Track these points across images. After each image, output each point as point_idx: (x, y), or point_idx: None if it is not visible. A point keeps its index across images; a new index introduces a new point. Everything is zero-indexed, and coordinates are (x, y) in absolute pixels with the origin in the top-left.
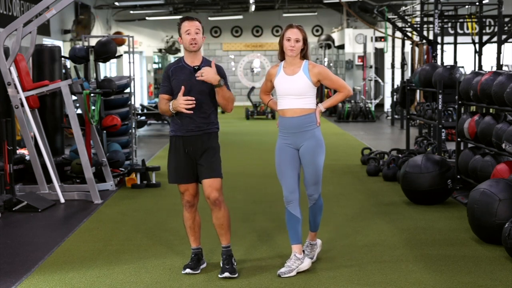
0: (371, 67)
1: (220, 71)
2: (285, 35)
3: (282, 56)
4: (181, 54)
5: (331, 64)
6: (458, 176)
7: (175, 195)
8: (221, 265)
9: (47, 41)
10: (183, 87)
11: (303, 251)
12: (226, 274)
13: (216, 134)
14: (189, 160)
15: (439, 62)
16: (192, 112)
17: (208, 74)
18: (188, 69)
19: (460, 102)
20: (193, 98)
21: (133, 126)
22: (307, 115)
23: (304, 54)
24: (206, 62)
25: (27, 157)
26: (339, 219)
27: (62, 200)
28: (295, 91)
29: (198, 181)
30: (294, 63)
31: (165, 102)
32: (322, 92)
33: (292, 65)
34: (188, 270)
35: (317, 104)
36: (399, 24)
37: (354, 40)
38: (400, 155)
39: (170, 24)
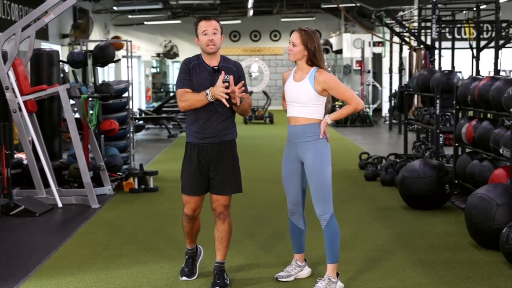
0: (369, 72)
1: (239, 72)
2: None
3: None
4: (179, 58)
5: (329, 69)
6: (456, 181)
7: (173, 200)
8: (212, 279)
9: (46, 46)
10: (223, 72)
11: (305, 259)
12: None
13: (234, 142)
14: (203, 170)
15: (436, 67)
16: (228, 104)
17: (236, 92)
18: (208, 69)
19: (457, 107)
20: (229, 90)
21: (131, 130)
22: (309, 125)
23: (311, 60)
24: (224, 61)
25: (25, 161)
26: None
27: (60, 205)
28: (299, 99)
29: (205, 193)
30: (303, 69)
31: (191, 94)
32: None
33: (301, 70)
34: (184, 278)
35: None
36: (397, 29)
37: (352, 45)
38: (398, 160)
39: (168, 28)
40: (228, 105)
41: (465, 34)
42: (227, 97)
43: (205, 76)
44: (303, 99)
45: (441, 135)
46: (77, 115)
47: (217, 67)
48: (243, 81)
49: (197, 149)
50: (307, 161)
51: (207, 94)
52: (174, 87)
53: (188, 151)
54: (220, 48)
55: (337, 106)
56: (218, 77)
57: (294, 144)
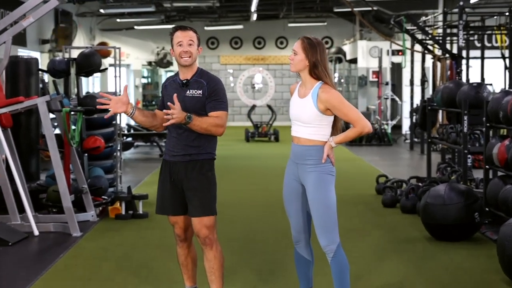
0: (387, 84)
1: (211, 87)
2: None
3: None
4: (173, 68)
5: (342, 80)
6: (487, 209)
7: (165, 228)
8: None
9: (23, 52)
10: (175, 96)
11: None
12: None
13: (209, 163)
14: (176, 189)
15: (464, 79)
16: (170, 123)
17: (177, 114)
18: (179, 83)
19: (488, 124)
20: (173, 111)
21: (118, 148)
22: (310, 147)
23: (315, 73)
24: (198, 75)
25: None
26: (350, 257)
27: (36, 232)
28: (301, 117)
29: (186, 214)
30: (306, 82)
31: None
32: None
33: (304, 84)
34: None
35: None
36: (419, 36)
37: (368, 53)
38: (420, 184)
39: (161, 34)
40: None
41: (496, 41)
42: (165, 121)
43: (173, 92)
44: (305, 118)
45: (469, 156)
46: (57, 131)
47: (186, 81)
48: (183, 112)
49: (168, 166)
50: (308, 186)
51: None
52: None
53: (161, 169)
54: (197, 60)
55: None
56: (186, 92)
57: (295, 165)
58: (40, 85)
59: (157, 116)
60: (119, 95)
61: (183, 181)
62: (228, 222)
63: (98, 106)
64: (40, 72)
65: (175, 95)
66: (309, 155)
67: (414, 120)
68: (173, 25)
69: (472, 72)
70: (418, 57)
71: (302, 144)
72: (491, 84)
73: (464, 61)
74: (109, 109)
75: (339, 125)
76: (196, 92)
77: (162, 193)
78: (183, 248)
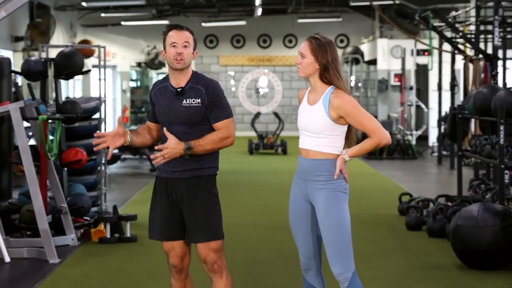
0: (411, 88)
1: (210, 93)
2: None
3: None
4: (166, 69)
5: (359, 85)
6: None
7: (156, 253)
8: None
9: None
10: (165, 129)
11: None
12: None
13: (212, 179)
14: (175, 210)
15: (500, 83)
16: (165, 161)
17: (170, 152)
18: (171, 91)
19: None
20: (165, 151)
21: (103, 162)
22: (321, 160)
23: (326, 77)
24: (194, 80)
25: None
26: (369, 285)
27: (7, 259)
28: (310, 127)
29: (183, 238)
30: (316, 88)
31: (142, 130)
32: None
33: (314, 90)
34: None
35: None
36: (448, 34)
37: (389, 53)
38: (449, 204)
39: (152, 30)
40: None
41: None
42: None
43: (167, 102)
44: (315, 127)
45: (506, 171)
46: (32, 142)
47: (181, 89)
48: (180, 142)
49: (165, 184)
50: (318, 206)
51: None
52: None
53: (156, 187)
54: (191, 65)
55: None
56: (182, 102)
57: (303, 181)
58: (13, 89)
59: (152, 130)
60: (104, 100)
61: (183, 201)
62: (230, 244)
63: (95, 148)
64: (12, 74)
65: (165, 129)
66: (320, 170)
67: (442, 130)
68: (166, 22)
69: (509, 75)
70: (447, 58)
71: (311, 158)
72: None
73: (500, 63)
74: (108, 147)
75: (353, 136)
76: (194, 101)
77: (156, 215)
78: (179, 281)
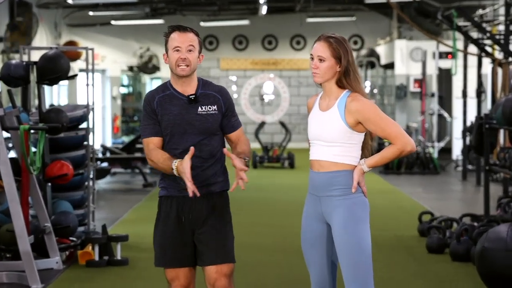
0: (433, 95)
1: (225, 101)
2: (312, 51)
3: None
4: (160, 74)
5: (374, 91)
6: None
7: (150, 277)
8: None
9: None
10: (192, 149)
11: None
12: None
13: (226, 194)
14: (185, 233)
15: None
16: (192, 194)
17: (244, 174)
18: (182, 99)
19: None
20: (242, 174)
21: (91, 176)
22: (337, 172)
23: (341, 80)
24: (204, 87)
25: None
26: None
27: None
28: (323, 135)
29: (195, 264)
30: (330, 93)
31: (159, 154)
32: None
33: (328, 95)
34: None
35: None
36: (474, 35)
37: (408, 56)
38: (475, 224)
39: (146, 31)
40: (191, 195)
41: None
42: (196, 193)
43: (178, 110)
44: (329, 135)
45: None
46: (13, 154)
47: (193, 96)
48: (240, 161)
49: (176, 204)
50: (335, 224)
51: (172, 169)
52: None
53: (162, 209)
54: (196, 70)
55: (386, 143)
56: (197, 110)
57: (317, 199)
58: None
59: (158, 150)
60: (92, 107)
61: (198, 221)
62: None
63: (191, 195)
64: None
65: (225, 150)
66: (336, 183)
67: (467, 142)
68: (161, 21)
69: None
70: (472, 61)
71: (325, 171)
72: None
73: None
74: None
75: (369, 146)
76: (210, 108)
77: (165, 240)
78: None
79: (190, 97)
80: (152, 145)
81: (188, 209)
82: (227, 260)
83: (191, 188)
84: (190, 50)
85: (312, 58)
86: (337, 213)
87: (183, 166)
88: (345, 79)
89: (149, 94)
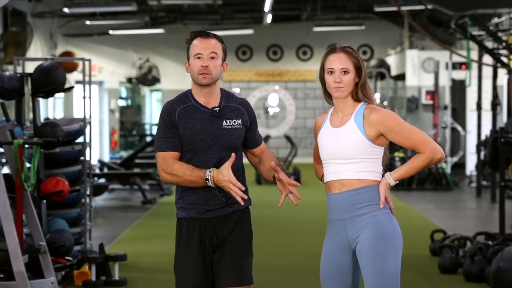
0: (445, 108)
1: (250, 114)
2: (325, 65)
3: (329, 97)
4: (160, 86)
5: (385, 103)
6: None
7: None
8: None
9: None
10: (233, 155)
11: None
12: None
13: (248, 211)
14: (208, 256)
15: None
16: (242, 202)
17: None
18: (205, 111)
19: None
20: (243, 187)
21: (88, 193)
22: (361, 189)
23: (357, 92)
24: (227, 99)
25: None
26: None
27: None
28: (341, 152)
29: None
30: (345, 108)
31: (184, 166)
32: None
33: (341, 111)
34: None
35: (383, 174)
36: (489, 44)
37: (420, 67)
38: (490, 243)
39: (145, 41)
40: (243, 203)
41: None
42: (243, 196)
43: (202, 124)
44: (348, 151)
45: None
46: (6, 170)
47: (218, 109)
48: (285, 174)
49: (198, 227)
50: (362, 244)
51: (207, 179)
52: (152, 128)
53: (184, 232)
54: (219, 80)
55: (396, 159)
56: (222, 124)
57: (341, 224)
58: None
59: (179, 163)
60: (89, 121)
61: (224, 242)
62: None
63: (240, 201)
64: None
65: (272, 163)
66: (361, 201)
67: (482, 157)
68: (161, 30)
69: None
70: (487, 72)
71: (348, 190)
72: None
73: None
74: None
75: (384, 160)
76: (235, 122)
77: (189, 266)
78: None
79: (215, 109)
80: (171, 159)
81: (212, 231)
82: (247, 282)
83: (239, 194)
84: (212, 58)
85: (331, 72)
86: (365, 232)
87: (224, 174)
88: (362, 91)
89: (169, 105)
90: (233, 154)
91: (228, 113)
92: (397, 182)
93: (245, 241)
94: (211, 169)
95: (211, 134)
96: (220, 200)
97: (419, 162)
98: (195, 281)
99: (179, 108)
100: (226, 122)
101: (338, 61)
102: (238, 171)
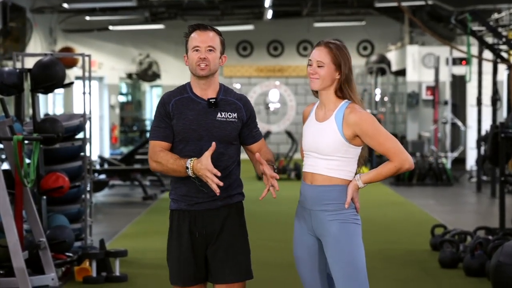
0: (446, 103)
1: (247, 109)
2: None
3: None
4: (161, 81)
5: (385, 99)
6: None
7: None
8: None
9: None
10: (214, 144)
11: None
12: None
13: (241, 206)
14: (199, 248)
15: None
16: (219, 192)
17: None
18: (200, 103)
19: None
20: (219, 173)
21: (88, 189)
22: (330, 187)
23: (341, 89)
24: (224, 93)
25: None
26: None
27: None
28: (319, 147)
29: (205, 281)
30: (327, 103)
31: (169, 155)
32: None
33: (325, 105)
34: None
35: (355, 175)
36: (489, 40)
37: (420, 62)
38: (490, 237)
39: (145, 36)
40: (218, 193)
41: None
42: (219, 183)
43: (195, 115)
44: (325, 147)
45: None
46: (6, 166)
47: (214, 100)
48: (270, 168)
49: (188, 219)
50: (327, 242)
51: (187, 168)
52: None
53: (174, 223)
54: (218, 72)
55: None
56: (216, 116)
57: (307, 212)
58: None
59: (165, 152)
60: (89, 117)
61: (212, 236)
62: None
63: (216, 189)
64: None
65: (257, 155)
66: (328, 198)
67: (482, 152)
68: (161, 26)
69: None
70: (488, 67)
71: (318, 184)
72: None
73: None
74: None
75: (363, 155)
76: (230, 115)
77: (180, 257)
78: None
79: (210, 100)
80: (159, 147)
81: (204, 224)
82: (244, 277)
83: (214, 181)
84: (210, 50)
85: (310, 64)
86: (330, 230)
87: (202, 163)
88: (345, 87)
89: (166, 96)
90: (213, 143)
91: (224, 106)
92: (365, 185)
93: (239, 236)
94: (192, 158)
95: (203, 125)
96: (208, 193)
97: (387, 170)
98: (184, 273)
99: (175, 99)
100: (221, 114)
101: (317, 54)
102: (233, 164)
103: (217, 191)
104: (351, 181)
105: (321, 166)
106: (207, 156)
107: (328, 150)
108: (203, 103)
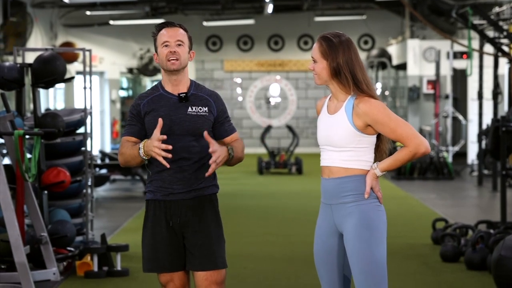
0: (447, 97)
1: (218, 104)
2: None
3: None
4: (161, 76)
5: (386, 93)
6: None
7: None
8: None
9: None
10: (160, 120)
11: None
12: None
13: (215, 198)
14: (175, 237)
15: None
16: (168, 165)
17: (221, 155)
18: (171, 98)
19: None
20: (170, 147)
21: (89, 183)
22: (347, 178)
23: (340, 81)
24: (195, 89)
25: None
26: None
27: None
28: (332, 140)
29: (184, 268)
30: (337, 95)
31: (129, 144)
32: None
33: (336, 98)
34: None
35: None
36: (490, 34)
37: (421, 56)
38: (491, 231)
39: (146, 31)
40: (167, 166)
41: None
42: (166, 155)
43: (167, 110)
44: (338, 139)
45: None
46: (7, 161)
47: (184, 94)
48: (224, 147)
49: (164, 209)
50: (347, 232)
51: (139, 149)
52: None
53: (150, 213)
54: (187, 68)
55: (398, 147)
56: (187, 110)
57: (329, 208)
58: None
59: (131, 143)
60: (90, 112)
61: (187, 225)
62: (236, 278)
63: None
64: None
65: (205, 133)
66: (346, 189)
67: (483, 146)
68: (162, 21)
69: None
70: (489, 61)
71: (335, 177)
72: None
73: None
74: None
75: (384, 147)
76: (201, 109)
77: (154, 244)
78: None
79: (181, 95)
80: (126, 142)
81: (178, 213)
82: (218, 266)
83: (162, 154)
84: (179, 45)
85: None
86: (349, 220)
87: (152, 142)
88: (344, 79)
89: (139, 96)
90: (159, 119)
91: (195, 101)
92: (384, 172)
93: (212, 226)
94: (144, 140)
95: (174, 120)
96: (182, 185)
97: (404, 156)
98: (165, 259)
99: (147, 99)
100: (192, 109)
101: (312, 50)
102: (206, 157)
103: (167, 165)
104: (368, 170)
105: (336, 158)
106: (155, 136)
107: (341, 142)
108: (174, 98)
